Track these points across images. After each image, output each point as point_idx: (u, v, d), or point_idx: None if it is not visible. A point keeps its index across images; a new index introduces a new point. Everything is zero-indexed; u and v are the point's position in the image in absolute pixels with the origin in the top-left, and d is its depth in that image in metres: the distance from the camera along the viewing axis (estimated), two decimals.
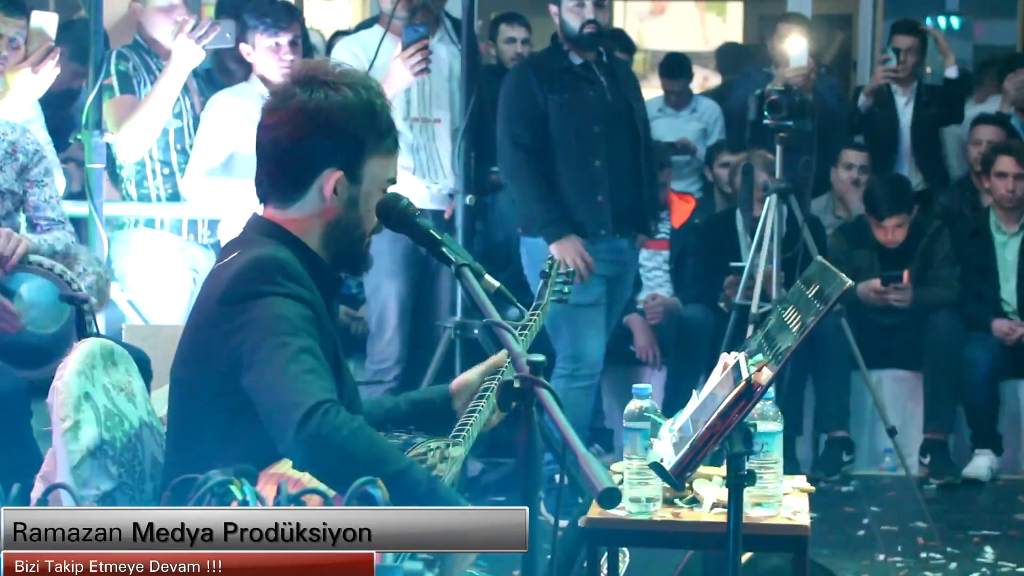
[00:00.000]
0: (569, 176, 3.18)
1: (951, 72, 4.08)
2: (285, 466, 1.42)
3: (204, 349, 1.47)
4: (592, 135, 3.18)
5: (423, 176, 3.26)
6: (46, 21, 2.72)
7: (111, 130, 3.07)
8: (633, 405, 1.73)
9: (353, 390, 1.60)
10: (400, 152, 3.77)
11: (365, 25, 3.62)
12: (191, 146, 3.17)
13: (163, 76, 3.05)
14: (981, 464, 3.66)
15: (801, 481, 1.89)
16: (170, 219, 3.20)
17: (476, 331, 3.09)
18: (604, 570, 1.80)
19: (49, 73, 2.72)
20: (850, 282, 1.51)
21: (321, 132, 1.49)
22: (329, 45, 3.90)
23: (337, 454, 1.33)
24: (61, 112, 3.54)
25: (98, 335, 2.31)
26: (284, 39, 3.08)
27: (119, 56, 3.12)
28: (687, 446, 1.51)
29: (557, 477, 3.05)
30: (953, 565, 2.93)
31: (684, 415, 1.68)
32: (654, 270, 3.91)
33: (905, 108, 4.15)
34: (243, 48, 3.15)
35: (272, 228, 1.52)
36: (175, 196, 3.19)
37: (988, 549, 3.04)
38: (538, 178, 3.16)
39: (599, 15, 3.17)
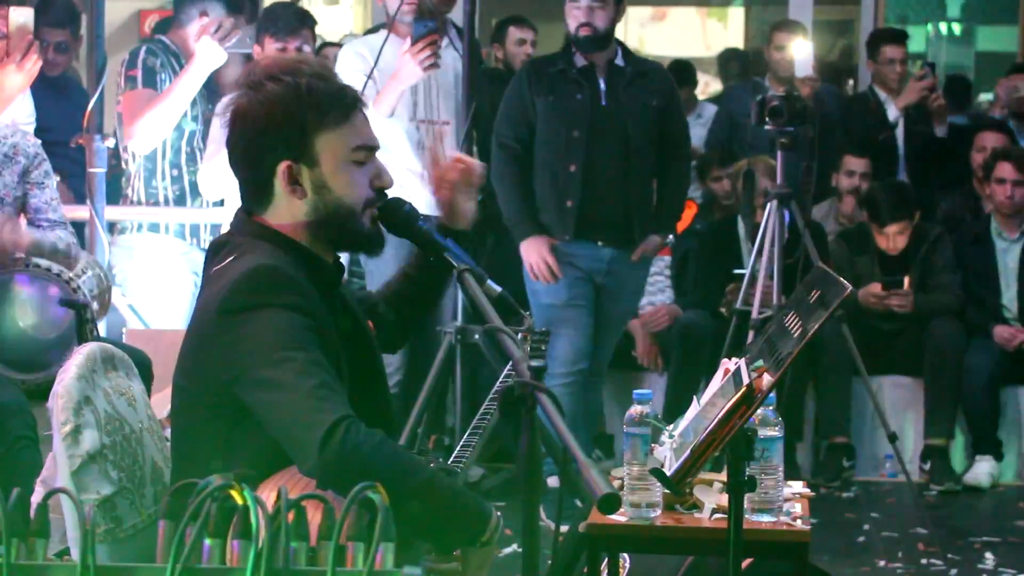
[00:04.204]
0: (542, 179, 3.20)
1: (940, 131, 4.05)
2: (288, 474, 1.42)
3: (203, 358, 1.46)
4: (570, 139, 3.18)
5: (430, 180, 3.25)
6: (24, 15, 2.73)
7: (125, 121, 3.08)
8: (634, 410, 1.72)
9: (381, 380, 1.56)
10: (407, 153, 3.74)
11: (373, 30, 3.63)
12: (202, 150, 3.19)
13: (184, 73, 3.08)
14: (982, 470, 3.66)
15: (801, 487, 1.88)
16: (174, 223, 3.21)
17: (477, 336, 3.09)
18: (604, 574, 1.80)
19: (33, 68, 2.74)
20: (851, 288, 1.51)
21: (255, 132, 1.48)
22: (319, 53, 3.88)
23: (363, 470, 1.30)
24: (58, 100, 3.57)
25: (98, 339, 2.31)
26: (291, 45, 3.11)
27: (149, 51, 3.15)
28: (688, 452, 1.51)
29: (549, 480, 3.03)
30: (954, 571, 2.93)
31: (685, 421, 1.68)
32: (655, 275, 3.90)
33: (898, 117, 4.15)
34: (256, 50, 3.18)
35: (262, 230, 1.50)
36: (181, 199, 3.21)
37: (989, 555, 3.04)
38: (515, 178, 3.19)
39: (594, 17, 3.13)
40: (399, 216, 1.53)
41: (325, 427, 1.34)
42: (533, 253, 3.17)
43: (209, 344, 1.45)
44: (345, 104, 1.49)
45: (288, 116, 1.47)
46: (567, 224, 3.18)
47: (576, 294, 3.21)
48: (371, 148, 1.52)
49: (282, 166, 1.48)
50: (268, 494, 1.30)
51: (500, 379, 1.75)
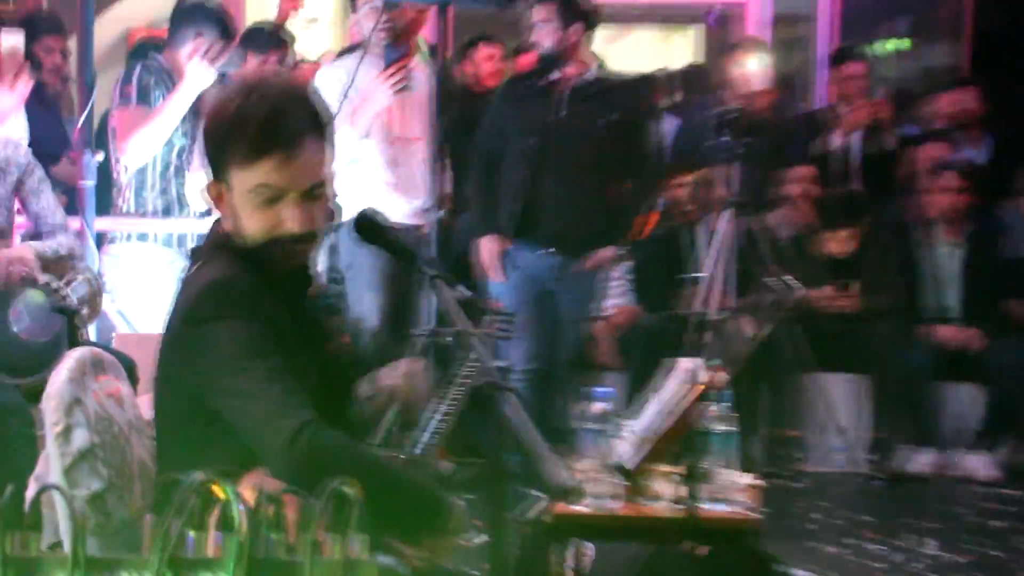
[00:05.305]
0: (502, 184, 3.33)
1: (889, 142, 4.17)
2: (262, 471, 1.47)
3: (174, 366, 1.49)
4: (524, 148, 3.28)
5: (403, 192, 3.34)
6: (14, 37, 2.75)
7: (119, 137, 3.13)
8: (594, 407, 1.81)
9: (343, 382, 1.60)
10: (380, 168, 3.81)
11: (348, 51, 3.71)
12: (190, 163, 3.24)
13: (175, 92, 3.13)
14: (924, 461, 3.79)
15: (755, 478, 1.95)
16: (162, 233, 3.25)
17: (449, 339, 3.16)
18: (569, 563, 1.89)
19: (24, 88, 2.76)
20: (802, 290, 1.61)
21: (203, 138, 1.48)
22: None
23: (330, 471, 1.30)
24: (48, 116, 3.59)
25: (88, 343, 2.36)
26: (271, 58, 3.20)
27: (144, 68, 3.19)
28: (646, 446, 1.59)
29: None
30: (898, 556, 3.03)
31: (643, 416, 1.77)
32: (617, 279, 4.01)
33: (846, 137, 4.26)
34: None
35: (223, 239, 1.50)
36: (168, 210, 3.25)
37: (931, 541, 3.14)
38: (482, 183, 3.35)
39: (539, 36, 3.27)
40: (372, 226, 1.57)
41: (291, 431, 1.36)
42: (484, 251, 3.29)
43: (178, 352, 1.49)
44: (259, 147, 1.41)
45: (218, 134, 1.45)
46: (510, 227, 3.30)
47: (524, 299, 3.29)
48: (275, 190, 1.43)
49: (209, 182, 1.49)
50: (245, 490, 1.36)
51: (464, 369, 1.80)
